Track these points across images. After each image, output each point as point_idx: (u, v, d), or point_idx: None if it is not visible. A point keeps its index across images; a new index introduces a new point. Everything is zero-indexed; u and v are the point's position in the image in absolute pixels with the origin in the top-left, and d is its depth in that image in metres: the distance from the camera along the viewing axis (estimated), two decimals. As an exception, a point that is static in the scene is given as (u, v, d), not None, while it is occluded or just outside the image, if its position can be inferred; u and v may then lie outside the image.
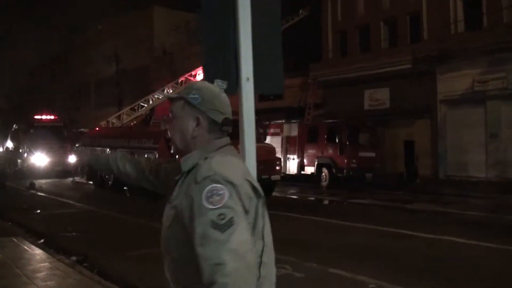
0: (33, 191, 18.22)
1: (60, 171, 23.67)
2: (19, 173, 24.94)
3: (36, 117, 26.20)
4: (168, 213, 1.80)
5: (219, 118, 1.80)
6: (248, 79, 3.00)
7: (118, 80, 38.32)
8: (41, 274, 6.43)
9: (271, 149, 16.04)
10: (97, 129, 23.39)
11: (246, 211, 1.64)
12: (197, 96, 1.80)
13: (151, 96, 26.36)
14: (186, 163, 1.80)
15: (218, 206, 1.58)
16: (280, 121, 23.70)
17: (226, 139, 1.84)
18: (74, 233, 9.88)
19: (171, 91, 27.23)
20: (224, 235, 1.55)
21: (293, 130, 22.91)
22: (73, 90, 51.56)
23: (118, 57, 38.54)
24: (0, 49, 61.04)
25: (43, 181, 21.38)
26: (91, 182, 20.13)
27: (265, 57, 3.12)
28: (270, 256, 1.77)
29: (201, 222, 1.58)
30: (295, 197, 17.82)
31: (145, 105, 25.76)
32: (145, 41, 39.14)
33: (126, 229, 10.71)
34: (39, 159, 23.98)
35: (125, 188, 17.96)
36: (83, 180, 21.13)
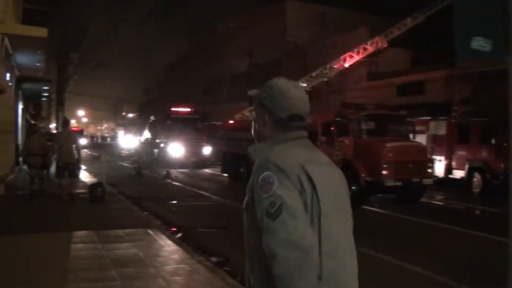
0: (168, 180, 18.44)
1: (195, 162, 23.94)
2: (155, 162, 25.76)
3: (173, 109, 26.88)
4: (245, 200, 1.86)
5: (285, 115, 1.86)
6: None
7: (250, 75, 38.52)
8: (179, 278, 5.81)
9: (422, 149, 14.35)
10: (231, 122, 23.24)
11: (300, 194, 1.68)
12: (265, 94, 1.92)
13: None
14: (253, 153, 1.95)
15: (269, 194, 1.67)
16: (426, 117, 21.63)
17: (296, 133, 1.88)
18: (212, 229, 9.29)
19: (304, 84, 26.49)
20: (275, 223, 1.63)
21: (440, 128, 20.74)
22: (206, 85, 53.01)
23: (251, 53, 38.79)
24: (140, 48, 64.90)
25: (179, 171, 21.73)
26: (226, 175, 19.90)
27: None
28: (337, 250, 1.70)
29: (259, 209, 1.70)
30: (441, 203, 15.89)
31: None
32: (277, 35, 38.80)
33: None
34: (175, 149, 24.48)
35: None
36: (218, 172, 21.04)
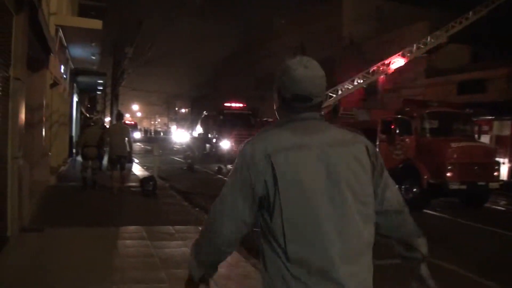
0: (220, 176, 18.11)
1: None
2: (207, 157, 25.55)
3: (226, 104, 26.60)
4: None
5: (288, 94, 1.89)
6: None
7: (303, 71, 37.79)
8: (231, 282, 5.37)
9: (490, 150, 13.36)
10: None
11: (248, 177, 1.77)
12: (277, 73, 1.96)
13: (339, 86, 25.04)
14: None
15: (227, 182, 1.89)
16: (489, 117, 20.39)
17: (299, 115, 1.89)
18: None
19: (361, 81, 25.62)
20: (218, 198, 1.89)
21: (505, 128, 19.53)
22: (257, 81, 52.82)
23: (304, 48, 38.13)
24: (193, 43, 65.41)
25: (230, 166, 21.46)
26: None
27: None
28: (303, 236, 1.73)
29: None
30: (504, 209, 14.80)
31: (334, 95, 24.52)
32: (332, 31, 37.94)
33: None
34: (227, 144, 24.18)
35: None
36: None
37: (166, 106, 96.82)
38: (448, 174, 11.55)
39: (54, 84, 13.83)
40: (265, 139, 1.82)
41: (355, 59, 33.80)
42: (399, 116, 12.86)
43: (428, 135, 12.39)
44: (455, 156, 11.71)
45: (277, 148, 1.77)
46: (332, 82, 31.74)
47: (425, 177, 11.71)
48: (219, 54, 70.49)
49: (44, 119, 11.53)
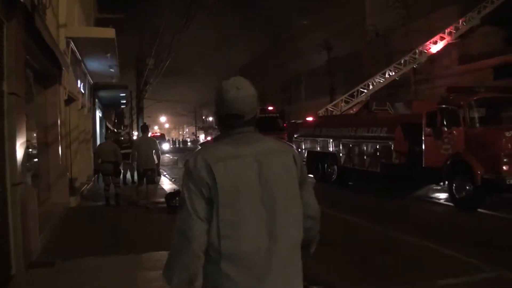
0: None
1: None
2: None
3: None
4: None
5: (223, 113, 2.12)
6: None
7: (329, 69, 36.80)
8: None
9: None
10: (312, 118, 21.58)
11: (195, 183, 2.00)
12: (215, 96, 2.18)
13: (371, 80, 23.89)
14: None
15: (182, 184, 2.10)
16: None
17: (234, 130, 2.12)
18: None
19: (393, 73, 24.39)
20: (178, 213, 2.06)
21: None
22: (283, 83, 51.98)
23: (330, 45, 37.07)
24: (216, 51, 64.95)
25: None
26: (311, 175, 18.33)
27: None
28: (236, 233, 1.95)
29: None
30: None
31: (365, 91, 23.37)
32: (356, 25, 36.73)
33: (378, 242, 8.24)
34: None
35: (350, 183, 15.73)
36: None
37: (193, 116, 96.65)
38: (504, 168, 10.26)
39: (70, 100, 13.13)
40: (206, 152, 2.07)
41: (382, 51, 32.58)
42: (444, 106, 11.66)
43: (478, 125, 11.14)
44: (510, 146, 10.44)
45: (217, 158, 2.02)
46: (361, 77, 30.69)
47: (478, 172, 10.47)
48: (243, 59, 70.07)
49: (59, 137, 10.79)
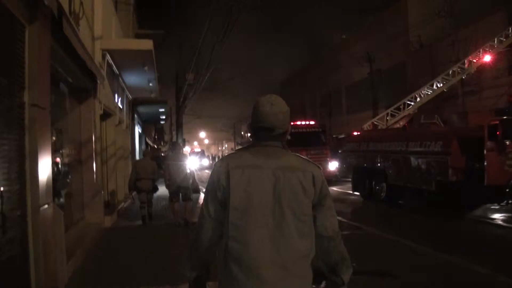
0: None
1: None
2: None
3: (294, 123, 24.85)
4: None
5: (255, 126, 2.33)
6: None
7: (372, 81, 35.69)
8: None
9: None
10: (358, 133, 20.59)
11: (213, 185, 2.26)
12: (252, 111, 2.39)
13: (418, 92, 22.72)
14: None
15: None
16: None
17: (261, 142, 2.31)
18: (366, 276, 6.88)
19: (441, 85, 23.16)
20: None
21: None
22: (323, 98, 51.11)
23: (372, 57, 36.02)
24: (255, 66, 64.72)
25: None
26: (357, 193, 17.34)
27: None
28: (243, 236, 2.12)
29: None
30: None
31: (412, 103, 22.22)
32: (399, 37, 35.54)
33: (444, 273, 7.27)
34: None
35: (400, 202, 14.66)
36: (348, 190, 18.40)
37: (232, 131, 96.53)
38: None
39: (107, 115, 12.69)
40: (230, 158, 2.31)
41: (426, 63, 31.28)
42: (507, 117, 10.58)
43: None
44: None
45: (237, 165, 2.23)
46: (405, 90, 29.50)
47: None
48: (283, 75, 69.69)
49: (94, 153, 10.29)
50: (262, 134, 2.29)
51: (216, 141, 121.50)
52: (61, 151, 9.27)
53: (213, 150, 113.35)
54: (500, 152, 10.39)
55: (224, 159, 2.30)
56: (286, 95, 63.79)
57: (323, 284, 2.42)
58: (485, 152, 10.53)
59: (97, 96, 10.61)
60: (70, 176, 9.70)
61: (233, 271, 2.09)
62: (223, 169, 2.22)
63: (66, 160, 9.49)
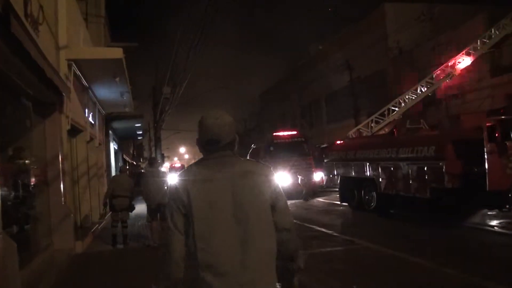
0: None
1: (307, 190, 20.46)
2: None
3: (276, 134, 24.10)
4: None
5: (203, 140, 2.44)
6: None
7: (353, 89, 35.21)
8: None
9: None
10: (341, 142, 19.93)
11: (175, 201, 2.35)
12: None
13: (402, 97, 22.24)
14: None
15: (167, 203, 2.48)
16: None
17: (212, 155, 2.42)
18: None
19: (424, 89, 22.74)
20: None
21: None
22: (304, 108, 50.67)
23: (351, 66, 35.58)
24: (233, 79, 64.36)
25: (290, 202, 18.68)
26: (345, 204, 16.63)
27: None
28: (209, 243, 2.22)
29: None
30: None
31: (396, 109, 21.72)
32: (377, 44, 35.23)
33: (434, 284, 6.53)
34: (283, 178, 21.55)
35: (391, 211, 13.96)
36: (335, 201, 17.66)
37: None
38: None
39: (76, 131, 11.79)
40: (185, 175, 2.40)
41: (407, 68, 30.96)
42: (506, 117, 9.96)
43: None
44: None
45: (193, 181, 2.35)
46: (385, 96, 29.10)
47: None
48: (260, 87, 69.20)
49: (61, 173, 9.37)
50: (210, 147, 2.41)
51: (196, 155, 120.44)
52: (23, 171, 8.37)
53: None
54: (501, 154, 9.72)
55: (182, 175, 2.40)
56: (266, 106, 63.25)
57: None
58: (485, 155, 9.83)
59: (64, 110, 9.72)
60: (34, 199, 8.77)
61: (206, 279, 2.17)
62: (181, 186, 2.33)
63: (29, 180, 8.57)
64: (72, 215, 9.65)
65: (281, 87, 58.19)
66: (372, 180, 14.24)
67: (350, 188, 15.70)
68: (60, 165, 9.30)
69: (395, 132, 15.26)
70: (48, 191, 9.15)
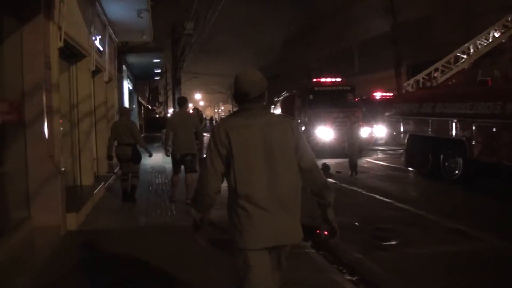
0: (335, 181, 12.15)
1: (356, 148, 16.61)
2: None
3: (316, 80, 20.63)
4: None
5: (235, 92, 2.89)
6: None
7: (394, 36, 31.34)
8: None
9: None
10: (410, 91, 16.51)
11: (216, 144, 2.79)
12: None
13: (470, 43, 18.58)
14: None
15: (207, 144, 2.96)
16: None
17: (243, 106, 2.85)
18: None
19: (497, 34, 19.03)
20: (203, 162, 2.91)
21: None
22: (332, 56, 46.87)
23: (393, 9, 31.57)
24: (255, 25, 60.65)
25: (332, 162, 15.44)
26: (412, 169, 13.46)
27: None
28: (247, 179, 2.72)
29: None
30: None
31: (464, 57, 18.15)
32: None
33: None
34: (326, 132, 18.28)
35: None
36: (401, 166, 14.37)
37: (229, 93, 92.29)
38: None
39: (73, 52, 8.58)
40: (226, 122, 2.88)
41: (458, 13, 27.12)
42: None
43: None
44: None
45: (232, 127, 2.79)
46: (430, 46, 25.57)
47: None
48: (284, 33, 64.99)
49: (46, 109, 6.21)
50: (240, 99, 2.85)
51: (212, 103, 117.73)
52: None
53: (208, 112, 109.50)
54: None
55: (221, 123, 2.89)
56: (291, 55, 59.16)
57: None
58: None
59: (54, 16, 6.45)
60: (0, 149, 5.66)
61: (244, 206, 2.69)
62: (222, 131, 2.78)
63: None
64: (61, 173, 6.44)
65: (308, 34, 54.08)
66: (459, 143, 10.93)
67: (423, 151, 12.46)
68: (44, 98, 6.10)
69: (489, 82, 11.80)
70: (25, 138, 6.02)
